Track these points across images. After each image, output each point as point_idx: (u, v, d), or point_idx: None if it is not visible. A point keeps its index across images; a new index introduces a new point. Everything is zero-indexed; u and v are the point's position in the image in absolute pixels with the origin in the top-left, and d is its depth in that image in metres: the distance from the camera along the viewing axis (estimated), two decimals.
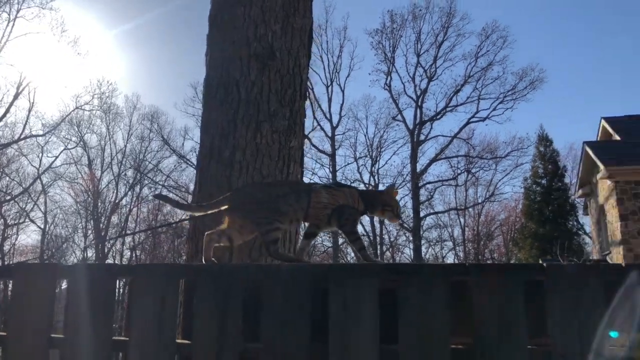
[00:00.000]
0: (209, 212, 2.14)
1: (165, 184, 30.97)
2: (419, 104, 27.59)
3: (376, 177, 29.19)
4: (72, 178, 30.80)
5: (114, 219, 31.33)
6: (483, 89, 27.05)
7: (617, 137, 16.40)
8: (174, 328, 1.76)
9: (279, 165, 2.65)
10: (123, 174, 31.48)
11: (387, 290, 1.61)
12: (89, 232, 30.98)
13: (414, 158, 27.31)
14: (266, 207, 2.01)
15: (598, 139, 17.83)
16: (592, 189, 17.35)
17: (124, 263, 23.32)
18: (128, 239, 30.42)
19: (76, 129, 30.70)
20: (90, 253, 30.47)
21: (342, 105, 29.92)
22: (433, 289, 1.58)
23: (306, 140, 26.66)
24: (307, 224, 2.14)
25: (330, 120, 29.21)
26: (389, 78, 28.10)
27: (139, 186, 31.63)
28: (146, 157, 31.74)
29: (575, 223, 23.84)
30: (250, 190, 2.27)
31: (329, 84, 29.35)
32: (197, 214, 2.36)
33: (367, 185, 28.35)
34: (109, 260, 29.27)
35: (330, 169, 28.91)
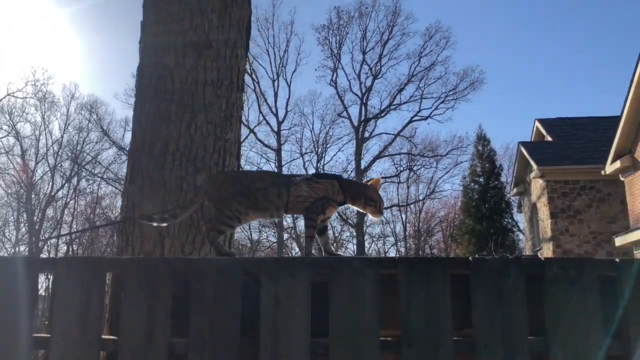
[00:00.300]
0: (193, 209, 2.14)
1: (104, 176, 29.88)
2: (364, 101, 27.96)
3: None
4: (2, 169, 29.13)
5: (49, 212, 29.91)
6: (426, 88, 27.76)
7: (550, 138, 17.24)
8: (100, 324, 1.69)
9: (214, 158, 2.59)
10: (59, 165, 30.09)
11: (325, 284, 1.61)
12: (22, 225, 29.43)
13: (358, 155, 27.66)
14: (241, 200, 1.99)
15: (532, 140, 18.67)
16: (525, 187, 18.17)
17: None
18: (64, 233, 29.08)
19: (7, 117, 29.07)
20: (23, 247, 28.97)
21: (288, 100, 29.86)
22: (363, 282, 1.60)
23: (252, 135, 26.24)
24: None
25: (276, 115, 29.10)
26: (335, 74, 28.31)
27: (76, 178, 30.33)
28: (84, 149, 30.46)
29: (510, 220, 24.89)
30: (228, 178, 2.18)
31: (275, 78, 29.22)
32: (181, 219, 2.27)
33: None
34: (44, 255, 27.90)
35: (276, 164, 28.81)
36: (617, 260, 1.59)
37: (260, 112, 28.94)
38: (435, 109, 27.56)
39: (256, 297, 1.61)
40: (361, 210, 2.16)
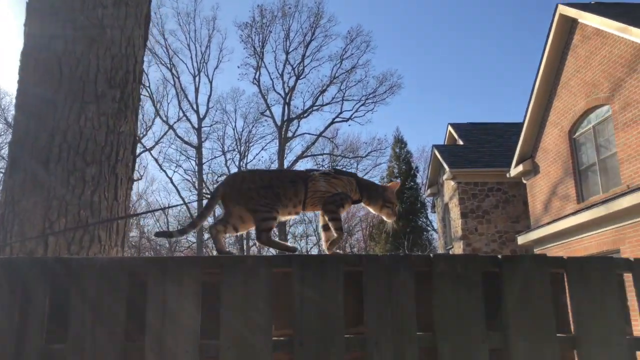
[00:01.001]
0: (210, 212, 2.04)
1: None
2: (287, 101, 27.98)
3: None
4: None
5: None
6: (347, 91, 28.29)
7: (461, 142, 18.10)
8: None
9: (105, 151, 2.42)
10: None
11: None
12: None
13: (281, 154, 27.62)
14: (266, 194, 1.92)
15: (445, 143, 19.52)
16: (438, 188, 18.97)
17: None
18: None
19: None
20: None
21: (209, 96, 29.35)
22: (256, 281, 1.56)
23: (171, 131, 25.33)
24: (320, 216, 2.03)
25: (197, 112, 28.43)
26: (258, 73, 28.13)
27: None
28: None
29: (425, 220, 25.91)
30: (246, 176, 2.07)
31: (196, 74, 28.55)
32: (202, 223, 2.14)
33: None
34: None
35: (196, 162, 28.12)
36: (499, 256, 1.66)
37: (181, 108, 28.18)
38: (356, 111, 28.18)
39: (143, 298, 1.53)
40: (375, 212, 2.10)
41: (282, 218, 2.02)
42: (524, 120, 13.41)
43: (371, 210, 2.11)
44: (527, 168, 13.64)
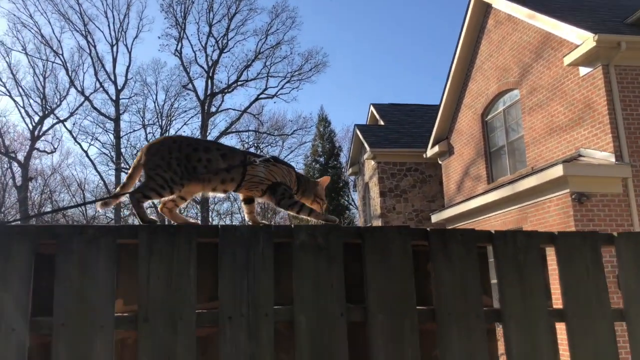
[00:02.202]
0: (132, 181, 1.89)
1: None
2: (210, 74, 27.14)
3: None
4: None
5: None
6: (272, 67, 27.85)
7: (382, 122, 18.41)
8: None
9: None
10: None
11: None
12: None
13: (204, 129, 26.86)
14: (178, 167, 1.79)
15: (367, 123, 19.79)
16: (360, 168, 19.25)
17: None
18: None
19: None
20: None
21: (128, 67, 28.11)
22: (96, 252, 1.42)
23: (87, 102, 23.89)
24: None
25: (114, 83, 26.96)
26: (179, 44, 26.99)
27: None
28: None
29: (347, 198, 26.31)
30: (166, 142, 1.90)
31: (114, 43, 26.98)
32: (124, 192, 1.88)
33: None
34: None
35: (114, 134, 26.78)
36: (361, 227, 1.61)
37: (97, 78, 26.60)
38: (281, 88, 27.86)
39: None
40: (307, 204, 1.99)
41: (207, 194, 1.93)
42: (440, 102, 13.81)
43: (303, 202, 2.03)
44: (443, 149, 14.10)
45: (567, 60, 9.18)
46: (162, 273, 1.44)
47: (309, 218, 1.90)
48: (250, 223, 1.95)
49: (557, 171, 8.22)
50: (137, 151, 27.02)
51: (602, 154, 8.40)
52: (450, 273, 1.61)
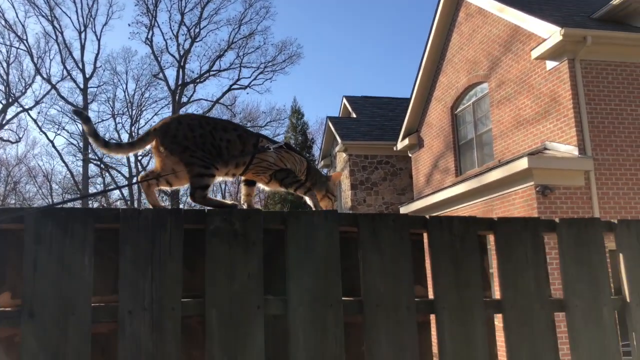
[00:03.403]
0: (131, 152, 1.73)
1: None
2: (182, 64, 26.62)
3: (135, 138, 27.42)
4: None
5: None
6: (245, 57, 27.46)
7: (354, 115, 18.32)
8: None
9: None
10: None
11: None
12: None
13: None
14: (204, 144, 1.66)
15: (340, 115, 19.68)
16: (332, 160, 19.15)
17: None
18: None
19: None
20: None
21: (97, 55, 27.33)
22: None
23: (53, 90, 23.21)
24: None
25: (82, 71, 26.22)
26: (150, 33, 26.38)
27: None
28: None
29: None
30: (184, 121, 1.73)
31: (82, 30, 26.22)
32: (125, 154, 1.79)
33: None
34: None
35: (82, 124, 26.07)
36: (284, 211, 1.48)
37: (65, 66, 25.83)
38: (255, 79, 27.51)
39: None
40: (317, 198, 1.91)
41: (218, 178, 1.76)
42: (411, 95, 13.78)
43: None
44: (413, 142, 14.09)
45: (535, 53, 9.21)
46: (52, 262, 1.28)
47: (304, 196, 1.84)
48: (245, 206, 1.85)
49: (522, 164, 8.24)
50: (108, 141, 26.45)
51: (566, 147, 8.46)
52: (379, 261, 1.49)
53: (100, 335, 1.35)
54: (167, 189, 1.82)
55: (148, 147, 1.75)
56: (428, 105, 13.58)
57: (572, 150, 8.33)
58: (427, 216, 1.57)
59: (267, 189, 1.90)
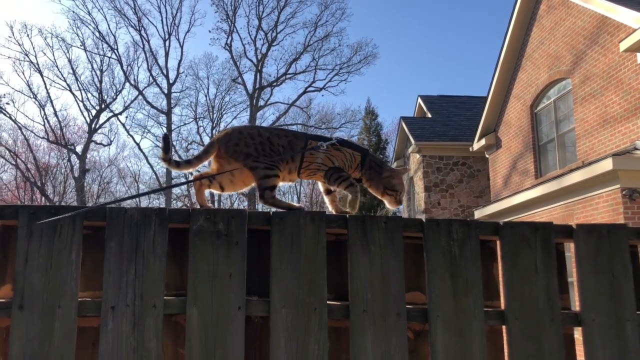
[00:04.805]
0: (199, 164, 1.82)
1: None
2: (259, 68, 27.36)
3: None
4: None
5: None
6: (320, 59, 27.72)
7: (430, 115, 17.90)
8: None
9: None
10: None
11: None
12: None
13: (252, 123, 27.18)
14: (264, 150, 1.75)
15: (414, 115, 19.31)
16: (405, 161, 18.82)
17: None
18: None
19: None
20: None
21: (180, 61, 28.60)
22: None
23: (140, 96, 24.71)
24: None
25: (166, 77, 27.73)
26: (229, 38, 27.37)
27: None
28: None
29: None
30: (244, 131, 1.86)
31: (166, 38, 27.73)
32: (193, 168, 1.89)
33: None
34: None
35: (167, 128, 27.60)
36: (270, 212, 1.46)
37: (150, 72, 27.46)
38: (330, 80, 27.68)
39: None
40: (377, 195, 1.92)
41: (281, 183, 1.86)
42: (488, 93, 13.24)
43: (372, 192, 1.93)
44: (490, 142, 13.52)
45: (624, 45, 8.50)
46: (41, 257, 1.35)
47: (344, 191, 1.81)
48: (333, 212, 1.87)
49: (607, 165, 7.63)
50: (189, 145, 27.79)
51: None
52: (369, 265, 1.43)
53: (91, 329, 1.40)
54: (218, 192, 1.88)
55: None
56: (506, 104, 12.96)
57: None
58: (424, 218, 1.48)
59: (332, 188, 1.88)
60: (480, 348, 1.40)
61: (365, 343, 1.39)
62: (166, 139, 1.84)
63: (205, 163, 1.86)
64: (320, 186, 1.92)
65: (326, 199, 1.93)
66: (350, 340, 1.40)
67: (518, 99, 12.37)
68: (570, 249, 1.60)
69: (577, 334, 1.50)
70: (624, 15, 8.55)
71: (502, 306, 1.51)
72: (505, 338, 1.45)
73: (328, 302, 1.43)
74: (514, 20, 12.15)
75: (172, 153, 1.81)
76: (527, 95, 11.92)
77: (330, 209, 1.90)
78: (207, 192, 1.84)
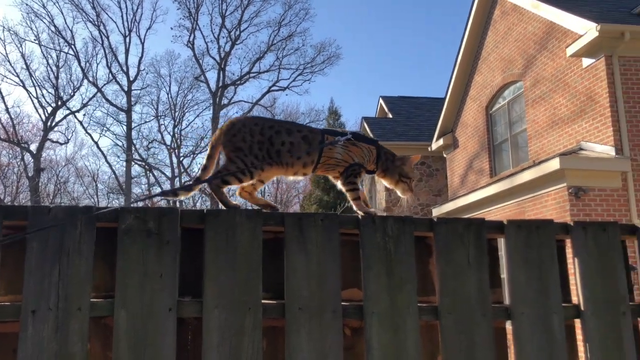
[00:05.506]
0: (212, 162, 1.79)
1: None
2: (223, 66, 27.06)
3: (179, 139, 28.12)
4: None
5: None
6: (284, 59, 27.65)
7: (390, 115, 18.11)
8: None
9: None
10: None
11: None
12: None
13: (215, 121, 26.84)
14: (260, 150, 1.72)
15: (376, 116, 19.50)
16: None
17: None
18: None
19: None
20: None
21: (141, 58, 28.04)
22: None
23: (99, 93, 24.08)
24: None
25: (127, 74, 27.08)
26: (192, 36, 26.97)
27: None
28: None
29: None
30: (247, 124, 1.81)
31: (126, 34, 27.09)
32: (207, 176, 1.81)
33: (169, 148, 27.23)
34: None
35: (126, 126, 26.96)
36: (204, 210, 1.44)
37: (110, 69, 26.75)
38: (294, 80, 27.65)
39: None
40: (390, 186, 1.90)
41: (289, 178, 1.85)
42: (446, 95, 13.49)
43: (385, 183, 1.93)
44: (448, 142, 13.78)
45: (570, 50, 8.82)
46: None
47: (351, 202, 1.78)
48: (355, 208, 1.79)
49: (554, 164, 7.90)
50: (150, 143, 27.21)
51: (602, 148, 8.05)
52: (305, 262, 1.42)
53: (13, 334, 1.34)
54: (261, 186, 1.86)
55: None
56: (463, 105, 13.24)
57: (608, 150, 7.92)
58: (360, 215, 1.49)
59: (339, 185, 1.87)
60: (414, 343, 1.42)
61: (301, 341, 1.38)
62: (166, 193, 1.85)
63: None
64: (335, 180, 1.90)
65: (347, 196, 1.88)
66: (285, 339, 1.39)
67: (474, 101, 12.65)
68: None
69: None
70: (570, 22, 8.87)
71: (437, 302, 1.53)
72: (439, 332, 1.46)
73: (265, 301, 1.42)
74: (470, 24, 12.42)
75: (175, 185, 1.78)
76: (482, 96, 12.21)
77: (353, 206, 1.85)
78: (256, 192, 1.83)
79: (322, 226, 1.45)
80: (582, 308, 1.52)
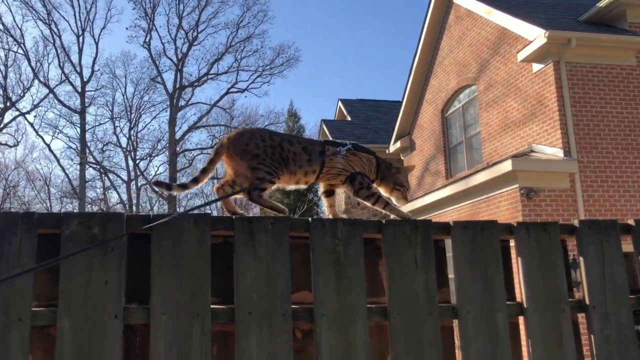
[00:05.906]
0: (209, 174, 1.82)
1: None
2: (180, 67, 26.61)
3: (135, 142, 27.47)
4: None
5: None
6: (243, 61, 27.44)
7: (349, 118, 18.25)
8: None
9: None
10: None
11: None
12: None
13: (172, 123, 26.39)
14: (273, 154, 1.77)
15: (335, 118, 19.62)
16: None
17: None
18: None
19: None
20: None
21: (95, 58, 27.34)
22: None
23: (51, 94, 23.25)
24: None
25: (80, 74, 26.28)
26: (148, 36, 26.40)
27: None
28: None
29: (315, 195, 26.11)
30: (255, 133, 1.86)
31: (80, 34, 26.30)
32: (205, 179, 1.86)
33: (125, 150, 26.56)
34: None
35: (80, 128, 26.15)
36: (149, 214, 1.41)
37: (62, 70, 25.90)
38: (252, 82, 27.47)
39: None
40: (385, 194, 1.95)
41: (289, 187, 1.92)
42: (403, 98, 13.70)
43: (382, 190, 1.98)
44: (405, 145, 14.00)
45: (521, 56, 9.13)
46: None
47: (383, 211, 1.83)
48: (330, 217, 1.88)
49: (507, 166, 8.15)
50: (104, 145, 26.49)
51: (552, 150, 8.36)
52: (255, 267, 1.42)
53: None
54: (246, 197, 1.88)
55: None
56: (419, 108, 13.49)
57: (557, 152, 8.24)
58: (310, 219, 1.50)
59: (338, 190, 1.96)
60: (363, 344, 1.44)
61: (250, 346, 1.37)
62: (160, 184, 1.87)
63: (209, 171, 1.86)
64: (321, 187, 1.98)
65: (325, 202, 1.98)
66: (235, 344, 1.38)
67: (430, 104, 12.91)
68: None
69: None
70: (521, 28, 9.18)
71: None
72: (389, 332, 1.49)
73: (214, 306, 1.41)
74: (426, 28, 12.68)
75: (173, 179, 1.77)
76: (438, 100, 12.48)
77: (327, 213, 1.95)
78: (232, 199, 1.86)
79: (272, 230, 1.45)
80: (525, 305, 1.58)
